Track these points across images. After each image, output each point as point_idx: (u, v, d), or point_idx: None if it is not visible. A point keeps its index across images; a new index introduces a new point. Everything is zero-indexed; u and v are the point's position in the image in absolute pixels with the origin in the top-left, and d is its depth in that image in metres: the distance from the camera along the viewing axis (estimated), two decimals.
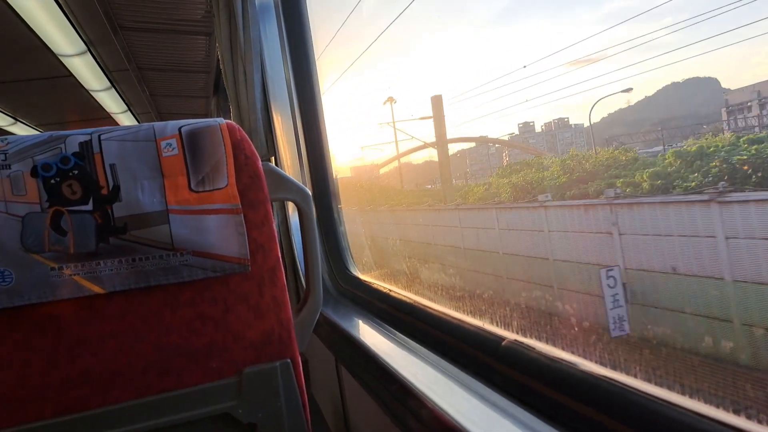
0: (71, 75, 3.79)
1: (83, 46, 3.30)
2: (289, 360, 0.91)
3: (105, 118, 5.27)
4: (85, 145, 0.81)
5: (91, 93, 4.34)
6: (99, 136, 0.81)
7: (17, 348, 0.79)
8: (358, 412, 1.37)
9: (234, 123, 0.89)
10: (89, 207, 0.80)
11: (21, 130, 5.39)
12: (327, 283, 1.74)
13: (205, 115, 4.87)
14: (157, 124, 0.85)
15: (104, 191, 0.80)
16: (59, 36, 3.09)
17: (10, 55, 3.41)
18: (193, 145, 0.84)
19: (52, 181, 0.79)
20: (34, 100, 4.60)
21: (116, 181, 0.81)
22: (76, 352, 0.81)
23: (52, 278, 0.78)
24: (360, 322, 1.41)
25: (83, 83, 4.03)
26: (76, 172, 0.80)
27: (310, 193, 1.00)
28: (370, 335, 1.29)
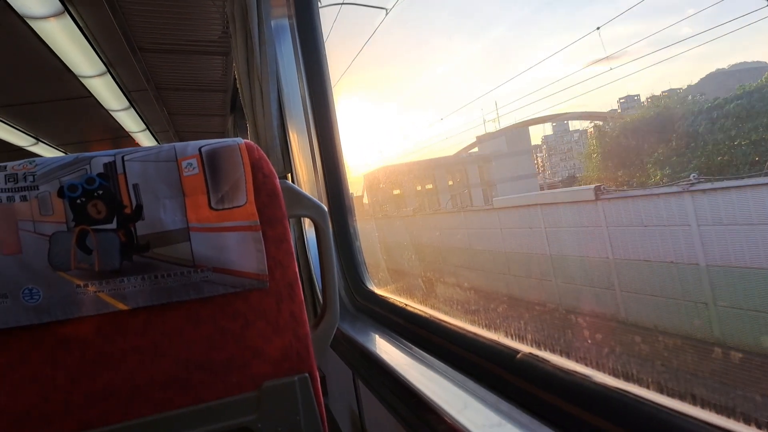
0: (91, 95, 3.87)
1: (103, 68, 3.37)
2: (307, 374, 0.92)
3: (124, 137, 5.37)
4: (110, 166, 0.83)
5: (111, 113, 4.43)
6: (123, 158, 0.84)
7: (41, 364, 0.81)
8: (376, 426, 1.38)
9: (252, 143, 0.91)
10: (113, 225, 0.82)
11: (42, 150, 5.51)
12: (344, 298, 1.76)
13: (222, 133, 4.94)
14: (178, 145, 0.87)
15: (128, 210, 0.83)
16: (80, 58, 3.16)
17: (33, 77, 3.50)
18: (213, 164, 0.87)
19: (78, 201, 0.81)
20: (55, 121, 4.69)
21: (139, 200, 0.83)
22: (99, 368, 0.83)
23: (78, 295, 0.81)
24: (377, 336, 1.42)
25: (103, 103, 4.12)
26: (100, 192, 0.82)
27: (326, 209, 1.02)
28: (386, 350, 1.29)
